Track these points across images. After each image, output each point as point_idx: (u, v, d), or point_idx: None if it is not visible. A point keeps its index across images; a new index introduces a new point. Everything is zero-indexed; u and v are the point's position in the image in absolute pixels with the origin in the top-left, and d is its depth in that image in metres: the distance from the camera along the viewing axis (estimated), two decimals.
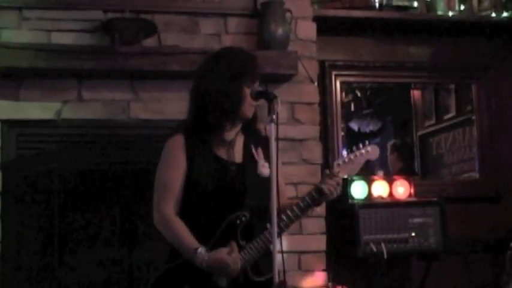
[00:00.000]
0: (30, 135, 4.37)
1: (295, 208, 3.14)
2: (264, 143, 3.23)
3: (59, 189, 4.37)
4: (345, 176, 3.28)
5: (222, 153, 3.21)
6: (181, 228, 3.09)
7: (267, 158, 3.17)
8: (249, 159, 3.23)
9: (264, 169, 3.20)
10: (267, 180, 3.07)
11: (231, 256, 3.02)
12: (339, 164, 3.20)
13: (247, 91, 3.14)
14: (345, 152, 3.29)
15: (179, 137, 3.19)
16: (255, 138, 3.29)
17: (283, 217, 3.11)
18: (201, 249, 3.02)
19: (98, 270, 4.39)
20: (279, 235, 2.92)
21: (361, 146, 3.25)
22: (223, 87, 3.12)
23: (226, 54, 3.25)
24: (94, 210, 4.42)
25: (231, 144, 3.23)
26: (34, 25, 4.36)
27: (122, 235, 4.44)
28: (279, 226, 2.95)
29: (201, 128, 3.17)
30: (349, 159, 3.21)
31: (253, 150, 3.24)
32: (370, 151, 3.25)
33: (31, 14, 4.36)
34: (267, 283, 3.01)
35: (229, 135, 3.23)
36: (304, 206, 3.15)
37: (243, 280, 3.07)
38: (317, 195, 3.14)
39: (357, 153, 3.23)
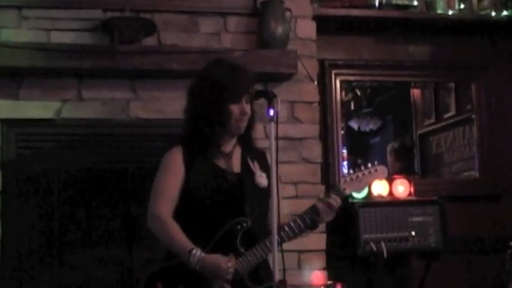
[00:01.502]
0: (30, 135, 4.37)
1: (292, 224, 3.13)
2: (259, 156, 3.27)
3: (59, 188, 4.37)
4: (350, 193, 3.28)
5: (220, 163, 3.21)
6: (176, 229, 3.08)
7: (263, 169, 3.22)
8: (247, 170, 3.23)
9: (261, 179, 3.20)
10: (265, 191, 3.12)
11: (226, 260, 3.01)
12: (345, 181, 3.21)
13: (234, 108, 3.13)
14: (350, 170, 3.28)
15: (177, 149, 3.20)
16: (251, 151, 3.30)
17: (286, 228, 3.11)
18: (196, 250, 3.00)
19: (97, 269, 4.39)
20: (279, 244, 2.93)
21: (369, 165, 3.26)
22: (207, 109, 3.13)
23: (211, 72, 3.22)
24: (94, 209, 4.42)
25: (229, 155, 3.24)
26: (34, 24, 4.36)
27: (122, 234, 4.44)
28: (279, 235, 2.95)
29: (198, 141, 3.18)
30: (357, 177, 3.22)
31: (250, 162, 3.24)
32: (378, 171, 3.25)
33: (30, 13, 4.35)
34: None
35: (227, 147, 3.23)
36: (303, 224, 3.14)
37: (240, 287, 3.06)
38: (314, 215, 3.14)
39: (365, 172, 3.23)
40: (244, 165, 3.24)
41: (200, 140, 3.16)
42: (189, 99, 3.23)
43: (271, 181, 2.85)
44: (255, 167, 3.23)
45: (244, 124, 3.20)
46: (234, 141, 3.26)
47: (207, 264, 2.99)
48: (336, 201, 3.16)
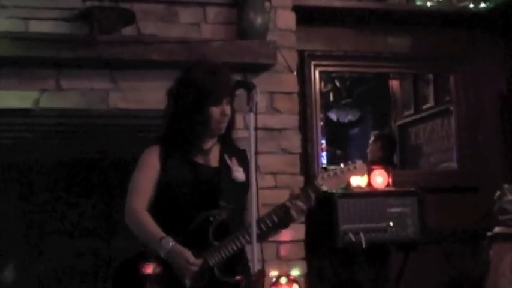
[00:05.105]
0: (8, 125, 4.34)
1: (267, 220, 3.14)
2: (238, 153, 3.30)
3: (37, 178, 4.36)
4: (327, 190, 3.27)
5: (198, 158, 3.24)
6: (148, 219, 3.11)
7: (241, 165, 3.24)
8: (224, 165, 3.25)
9: (238, 174, 3.23)
10: (242, 185, 3.17)
11: (193, 257, 3.01)
12: (323, 177, 3.20)
13: (214, 110, 3.15)
14: (331, 166, 3.28)
15: (155, 147, 3.23)
16: (230, 148, 3.32)
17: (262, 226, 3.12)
18: (167, 239, 3.02)
19: (76, 259, 4.39)
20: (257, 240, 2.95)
21: (349, 162, 3.25)
22: (188, 111, 3.15)
23: (192, 75, 3.22)
24: (72, 199, 4.41)
25: (207, 152, 3.26)
26: (11, 13, 4.32)
27: (100, 224, 4.44)
28: (259, 228, 2.97)
29: (177, 140, 3.20)
30: (335, 174, 3.22)
31: (227, 158, 3.26)
32: (357, 168, 3.25)
33: (8, 1, 4.31)
34: (236, 284, 3.05)
35: (206, 145, 3.25)
36: (271, 223, 3.14)
37: (209, 279, 3.06)
38: (283, 214, 3.15)
39: (344, 169, 3.24)
40: (222, 160, 3.26)
41: (179, 139, 3.18)
42: (170, 102, 3.25)
43: (250, 173, 2.86)
44: (232, 162, 3.26)
45: (224, 125, 3.23)
46: (214, 140, 3.28)
47: (174, 254, 3.00)
48: (309, 202, 3.16)
